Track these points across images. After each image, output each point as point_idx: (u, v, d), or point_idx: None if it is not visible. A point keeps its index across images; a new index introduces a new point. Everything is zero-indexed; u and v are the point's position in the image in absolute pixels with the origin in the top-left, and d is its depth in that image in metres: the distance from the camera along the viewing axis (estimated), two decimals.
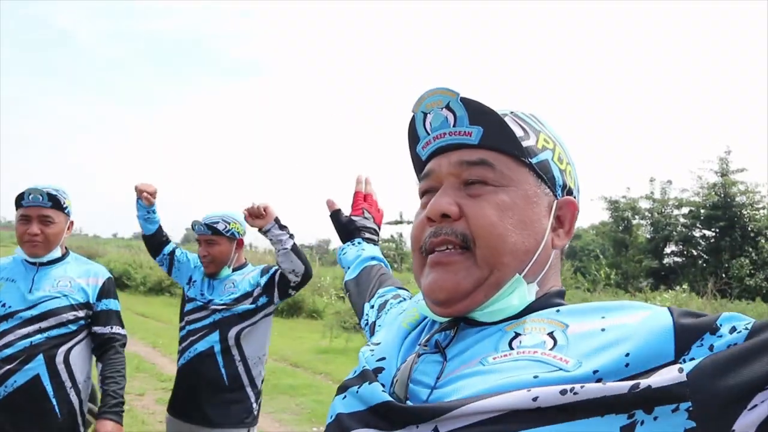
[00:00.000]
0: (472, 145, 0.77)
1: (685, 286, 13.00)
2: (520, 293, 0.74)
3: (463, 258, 0.74)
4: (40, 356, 2.21)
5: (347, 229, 1.38)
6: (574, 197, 0.83)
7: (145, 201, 2.80)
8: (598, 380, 0.60)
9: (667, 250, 18.64)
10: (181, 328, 2.78)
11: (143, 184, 2.82)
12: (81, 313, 2.34)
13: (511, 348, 0.69)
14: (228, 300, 2.68)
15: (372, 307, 1.15)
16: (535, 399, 0.59)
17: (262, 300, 2.69)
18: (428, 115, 0.80)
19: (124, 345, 2.44)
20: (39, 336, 2.22)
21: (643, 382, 0.57)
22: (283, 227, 2.58)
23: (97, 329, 2.39)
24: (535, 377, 0.62)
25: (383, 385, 0.73)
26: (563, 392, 0.58)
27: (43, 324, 2.24)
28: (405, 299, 1.11)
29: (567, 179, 0.82)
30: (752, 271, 15.37)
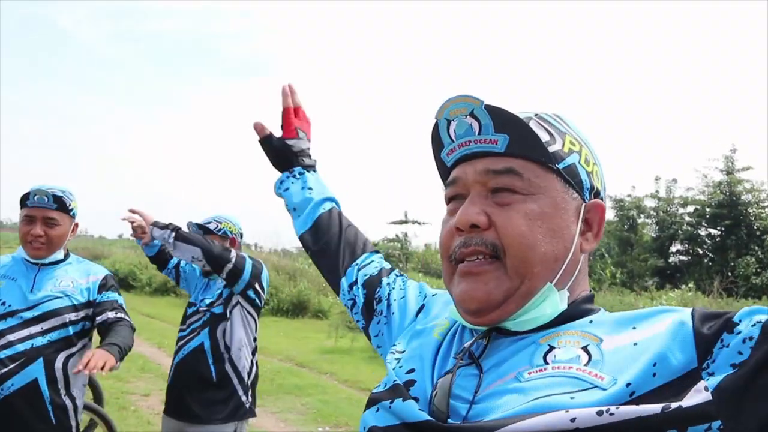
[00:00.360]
0: (498, 153, 0.76)
1: (690, 285, 12.91)
2: (551, 302, 0.74)
3: (494, 268, 0.74)
4: (40, 360, 2.17)
5: (283, 156, 1.21)
6: (602, 198, 0.82)
7: (143, 242, 2.93)
8: (632, 393, 0.62)
9: (673, 248, 18.55)
10: (181, 330, 2.85)
11: (136, 224, 2.86)
12: (83, 313, 2.29)
13: (546, 362, 0.69)
14: (214, 297, 2.78)
15: (354, 282, 1.08)
16: (573, 420, 0.60)
17: (225, 293, 2.77)
18: (452, 122, 0.79)
19: (133, 329, 2.33)
20: (41, 338, 2.18)
21: (674, 404, 0.59)
22: (164, 227, 2.56)
23: (101, 318, 2.28)
24: (572, 397, 0.62)
25: (417, 399, 0.73)
26: (600, 413, 0.60)
27: (45, 325, 2.20)
28: (398, 276, 1.08)
29: (594, 181, 0.81)
30: (758, 270, 15.26)
